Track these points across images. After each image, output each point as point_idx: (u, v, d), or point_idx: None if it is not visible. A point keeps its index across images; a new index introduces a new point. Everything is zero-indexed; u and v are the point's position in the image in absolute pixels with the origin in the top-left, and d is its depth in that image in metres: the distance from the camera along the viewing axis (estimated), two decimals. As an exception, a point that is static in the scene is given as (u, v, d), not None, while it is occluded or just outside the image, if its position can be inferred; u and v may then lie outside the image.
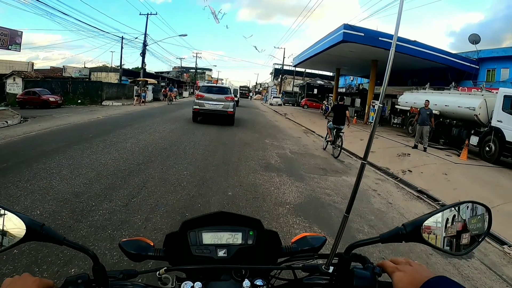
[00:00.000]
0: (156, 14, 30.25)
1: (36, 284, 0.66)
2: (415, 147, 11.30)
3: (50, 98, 21.26)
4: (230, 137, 10.73)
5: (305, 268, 0.83)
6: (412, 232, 0.74)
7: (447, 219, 0.75)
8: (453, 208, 0.76)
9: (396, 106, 19.97)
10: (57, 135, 9.32)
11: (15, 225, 0.70)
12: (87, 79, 36.04)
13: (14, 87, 25.32)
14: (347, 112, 9.31)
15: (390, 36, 16.04)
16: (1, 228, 0.69)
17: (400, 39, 16.56)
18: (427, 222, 0.75)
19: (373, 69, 21.60)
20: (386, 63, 0.71)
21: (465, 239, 0.74)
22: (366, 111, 22.37)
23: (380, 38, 16.43)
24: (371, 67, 21.67)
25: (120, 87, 29.62)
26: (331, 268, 0.79)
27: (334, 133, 9.35)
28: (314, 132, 15.90)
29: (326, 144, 10.26)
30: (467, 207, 0.76)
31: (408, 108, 17.39)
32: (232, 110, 13.81)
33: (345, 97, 17.62)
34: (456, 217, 0.75)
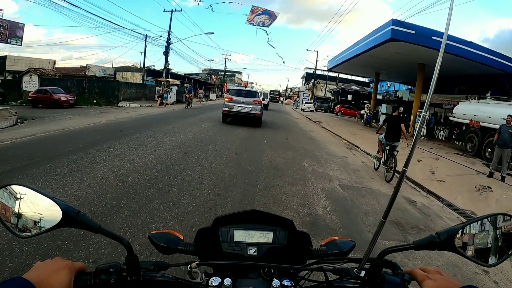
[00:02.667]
0: (181, 11, 28.27)
1: (68, 268, 0.67)
2: (491, 175, 8.82)
3: (61, 98, 19.56)
4: (255, 156, 7.85)
5: (336, 270, 0.81)
6: (446, 241, 0.74)
7: (480, 230, 0.75)
8: (486, 219, 0.75)
9: (451, 118, 17.08)
10: (29, 147, 7.34)
11: (51, 210, 0.72)
12: (111, 79, 34.65)
13: (30, 84, 24.10)
14: (402, 125, 7.66)
15: (449, 36, 13.39)
16: (38, 212, 0.72)
17: (453, 39, 13.81)
18: (460, 232, 0.74)
19: (420, 74, 18.66)
20: (435, 67, 0.69)
21: (496, 250, 0.73)
22: (411, 122, 19.02)
23: (433, 37, 13.35)
24: (418, 71, 18.67)
25: (140, 87, 27.59)
26: (363, 273, 0.78)
27: (387, 150, 7.59)
28: (358, 147, 12.88)
29: (378, 163, 8.33)
30: (500, 218, 0.75)
31: (467, 121, 14.40)
32: (259, 112, 14.24)
33: (401, 108, 14.38)
34: (489, 228, 0.75)
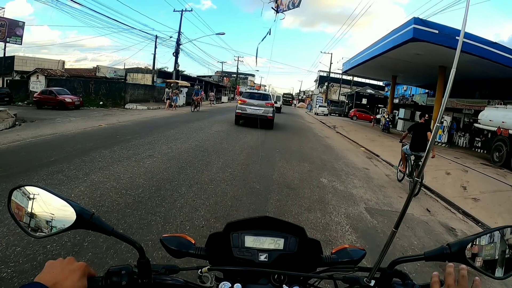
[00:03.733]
0: (192, 11, 27.34)
1: (82, 270, 0.67)
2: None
3: (66, 99, 18.98)
4: (264, 170, 6.72)
5: (345, 279, 0.83)
6: (457, 252, 0.74)
7: (489, 242, 0.75)
8: (498, 232, 0.75)
9: (476, 125, 15.60)
10: (11, 155, 6.63)
11: (65, 212, 0.73)
12: (120, 80, 34.15)
13: (37, 85, 23.68)
14: (429, 134, 6.79)
15: (471, 36, 12.64)
16: (52, 213, 0.74)
17: (477, 39, 12.74)
18: (471, 244, 0.74)
19: (440, 77, 17.23)
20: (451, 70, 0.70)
21: (502, 262, 0.74)
22: (432, 129, 17.59)
23: (457, 37, 11.96)
24: (439, 74, 17.26)
25: (149, 89, 26.80)
26: (373, 282, 0.79)
27: (412, 161, 6.89)
28: (378, 156, 11.65)
29: (402, 175, 7.55)
30: (508, 231, 0.75)
31: (494, 129, 13.08)
32: (271, 115, 14.49)
33: (427, 114, 12.97)
34: (497, 240, 0.75)
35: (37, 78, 23.99)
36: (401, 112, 26.74)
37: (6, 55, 26.53)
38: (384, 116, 23.03)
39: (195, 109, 22.16)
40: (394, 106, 27.86)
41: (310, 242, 0.89)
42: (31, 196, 0.75)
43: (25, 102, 22.25)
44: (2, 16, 14.96)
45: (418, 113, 24.77)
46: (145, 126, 12.05)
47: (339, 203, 5.27)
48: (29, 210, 0.74)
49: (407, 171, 7.11)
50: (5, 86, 24.85)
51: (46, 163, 5.83)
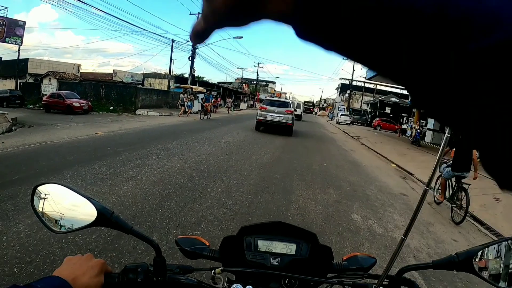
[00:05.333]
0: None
1: (99, 266, 0.69)
2: None
3: (74, 103, 18.09)
4: (278, 202, 5.13)
5: (355, 285, 0.83)
6: (464, 261, 0.75)
7: (499, 252, 0.75)
8: (506, 242, 0.76)
9: None
10: None
11: (87, 209, 0.76)
12: (135, 85, 33.51)
13: (49, 88, 23.24)
14: (475, 152, 5.92)
15: None
16: (74, 210, 0.77)
17: None
18: (480, 254, 0.76)
19: None
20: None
21: (506, 275, 0.74)
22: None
23: None
24: None
25: (162, 94, 25.72)
26: None
27: (453, 183, 6.14)
28: (412, 175, 9.89)
29: (441, 199, 6.57)
30: None
31: None
32: (290, 122, 14.78)
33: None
34: (504, 250, 0.75)
35: (49, 81, 23.48)
36: (430, 122, 24.61)
37: (20, 57, 26.43)
38: (414, 127, 20.89)
39: (205, 117, 20.29)
40: (420, 116, 25.80)
41: (321, 249, 0.89)
42: (54, 193, 0.78)
43: (37, 105, 21.77)
44: (1, 15, 14.08)
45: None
46: (146, 136, 10.72)
47: (380, 259, 3.62)
48: (53, 207, 0.77)
49: (447, 195, 6.30)
50: (18, 89, 24.59)
51: (6, 183, 4.68)
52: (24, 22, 15.32)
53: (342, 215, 4.94)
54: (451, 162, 6.21)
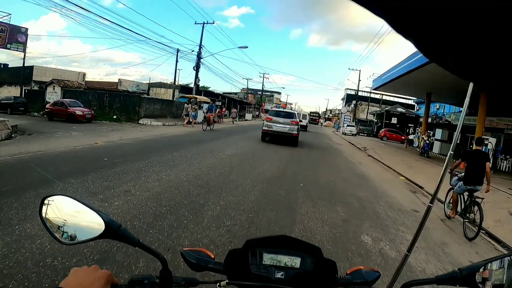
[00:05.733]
0: (214, 23, 26.15)
1: (106, 277, 0.68)
2: None
3: (77, 112, 17.92)
4: (281, 221, 4.73)
5: None
6: (467, 276, 0.76)
7: (501, 268, 0.75)
8: (508, 258, 0.76)
9: None
10: None
11: (94, 222, 0.78)
12: (144, 94, 33.45)
13: (53, 96, 23.22)
14: (488, 164, 5.73)
15: None
16: (82, 222, 0.78)
17: None
18: (483, 269, 0.76)
19: (483, 93, 15.05)
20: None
21: None
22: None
23: None
24: (480, 91, 14.97)
25: (166, 103, 25.48)
26: None
27: (466, 197, 5.89)
28: (422, 188, 9.46)
29: (452, 215, 6.26)
30: None
31: None
32: (296, 132, 14.93)
33: (484, 139, 10.67)
34: (507, 266, 0.75)
35: (53, 89, 23.45)
36: (438, 133, 24.18)
37: (27, 65, 26.54)
38: (423, 138, 20.35)
39: (208, 127, 19.60)
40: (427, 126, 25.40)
41: (326, 262, 0.90)
42: (62, 204, 0.80)
43: (41, 112, 21.69)
44: (3, 21, 13.99)
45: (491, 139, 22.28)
46: (147, 146, 10.41)
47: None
48: (61, 218, 0.78)
49: (458, 209, 6.05)
50: (22, 96, 24.59)
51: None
52: (27, 29, 15.21)
53: (351, 236, 4.52)
54: (462, 174, 5.93)
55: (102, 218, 0.76)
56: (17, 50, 14.52)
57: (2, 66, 34.18)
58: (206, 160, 8.67)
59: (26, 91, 25.34)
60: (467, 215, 5.69)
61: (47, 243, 3.12)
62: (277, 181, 7.12)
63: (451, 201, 6.30)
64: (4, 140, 10.24)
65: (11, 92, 28.18)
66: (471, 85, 0.64)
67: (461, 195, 6.02)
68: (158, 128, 18.00)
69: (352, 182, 8.57)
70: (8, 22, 14.26)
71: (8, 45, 13.87)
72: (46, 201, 0.81)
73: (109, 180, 5.70)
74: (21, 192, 4.64)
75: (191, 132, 17.13)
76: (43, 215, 0.80)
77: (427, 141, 19.71)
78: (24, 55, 23.07)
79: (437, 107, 33.64)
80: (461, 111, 21.89)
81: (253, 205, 5.07)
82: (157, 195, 5.01)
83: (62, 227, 0.78)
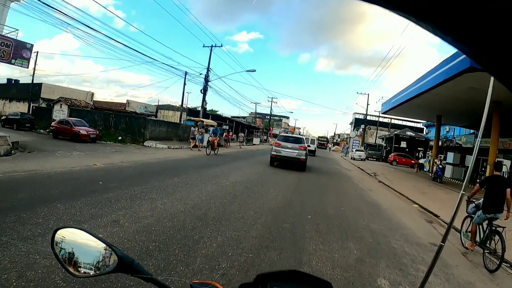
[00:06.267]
0: (222, 46, 26.28)
1: None
2: None
3: (81, 131, 17.78)
4: (286, 262, 4.16)
5: None
6: None
7: None
8: None
9: None
10: None
11: (107, 255, 0.79)
12: (152, 116, 33.49)
13: (60, 114, 23.38)
14: (508, 191, 5.26)
15: None
16: (95, 255, 0.78)
17: None
18: None
19: (496, 115, 14.73)
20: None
21: None
22: (488, 174, 14.41)
23: None
24: (493, 111, 14.66)
25: (172, 126, 25.25)
26: None
27: (485, 227, 5.46)
28: (438, 216, 8.89)
29: (471, 248, 5.80)
30: None
31: None
32: (304, 157, 14.97)
33: (501, 162, 9.96)
34: None
35: (61, 107, 23.60)
36: (449, 157, 23.47)
37: (36, 82, 26.83)
38: (435, 162, 19.62)
39: (212, 152, 18.76)
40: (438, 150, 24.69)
41: None
42: (74, 237, 0.80)
43: (47, 130, 21.76)
44: (9, 36, 14.04)
45: (469, 157, 21.59)
46: (147, 170, 9.96)
47: None
48: (72, 250, 0.78)
49: (477, 238, 5.65)
50: (30, 112, 24.72)
51: None
52: (32, 45, 15.21)
53: (366, 280, 3.91)
54: (479, 201, 5.69)
55: (116, 252, 0.77)
56: (21, 66, 14.45)
57: (13, 82, 34.85)
58: (207, 187, 8.14)
59: (34, 107, 25.56)
60: (487, 245, 5.35)
61: (13, 280, 2.63)
62: (283, 212, 6.54)
63: (468, 230, 5.98)
64: (2, 156, 10.10)
65: (19, 108, 28.54)
66: (486, 107, 0.45)
67: (481, 228, 5.67)
68: (162, 151, 17.66)
69: (364, 212, 7.95)
70: (15, 38, 14.29)
71: (13, 60, 13.81)
72: (58, 233, 0.81)
73: (98, 207, 5.23)
74: (1, 215, 4.26)
75: (196, 156, 16.70)
76: (55, 246, 0.80)
77: (440, 166, 18.94)
78: (34, 72, 23.44)
79: (447, 129, 33.11)
80: (472, 133, 21.18)
81: (255, 242, 4.47)
82: (148, 228, 4.49)
83: (74, 259, 0.78)
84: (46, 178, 7.22)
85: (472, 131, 25.96)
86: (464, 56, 10.05)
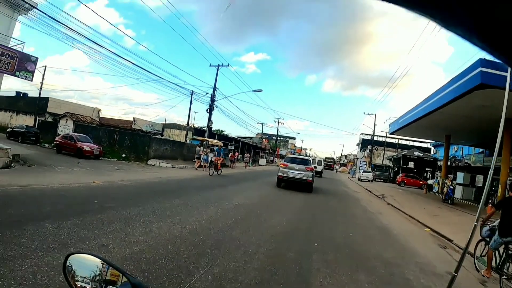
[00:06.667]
0: (228, 65, 26.37)
1: None
2: None
3: (84, 147, 17.65)
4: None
5: None
6: None
7: None
8: None
9: None
10: None
11: (121, 284, 0.77)
12: (158, 135, 33.49)
13: (65, 129, 23.54)
14: None
15: None
16: (108, 283, 0.76)
17: None
18: None
19: (507, 133, 14.04)
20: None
21: None
22: (499, 194, 13.79)
23: None
24: (504, 130, 13.85)
25: (177, 145, 25.02)
26: None
27: (502, 251, 5.17)
28: (451, 241, 8.40)
29: (487, 275, 5.39)
30: None
31: None
32: (311, 179, 14.98)
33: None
34: None
35: (66, 122, 23.76)
36: (459, 177, 22.78)
37: (45, 96, 27.00)
38: (446, 183, 18.91)
39: (215, 172, 18.06)
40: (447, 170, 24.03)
41: None
42: (87, 263, 0.78)
43: (51, 144, 21.74)
44: (14, 48, 14.10)
45: (479, 177, 20.85)
46: (147, 190, 9.62)
47: None
48: (84, 276, 0.76)
49: (493, 263, 5.38)
50: (35, 126, 24.82)
51: None
52: (37, 58, 15.24)
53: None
54: (494, 224, 5.51)
55: (129, 281, 0.75)
56: (25, 79, 14.42)
57: (21, 95, 35.30)
58: (208, 210, 7.70)
59: (40, 121, 25.74)
60: (505, 270, 5.13)
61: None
62: (288, 240, 6.07)
63: (482, 255, 5.77)
64: (1, 168, 9.96)
65: (26, 121, 28.80)
66: (501, 126, 0.44)
67: (498, 253, 5.42)
68: (166, 170, 17.35)
69: (374, 238, 7.45)
70: (20, 50, 14.37)
71: (17, 73, 13.79)
72: (70, 258, 0.78)
73: (89, 229, 4.87)
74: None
75: (200, 177, 16.28)
76: (67, 272, 0.77)
77: (451, 187, 18.22)
78: (41, 86, 23.57)
79: (455, 149, 32.48)
80: (481, 152, 20.37)
81: (255, 275, 4.00)
82: (138, 255, 4.09)
83: (87, 286, 0.76)
84: (40, 195, 6.96)
85: (481, 150, 25.39)
86: (474, 73, 9.77)
